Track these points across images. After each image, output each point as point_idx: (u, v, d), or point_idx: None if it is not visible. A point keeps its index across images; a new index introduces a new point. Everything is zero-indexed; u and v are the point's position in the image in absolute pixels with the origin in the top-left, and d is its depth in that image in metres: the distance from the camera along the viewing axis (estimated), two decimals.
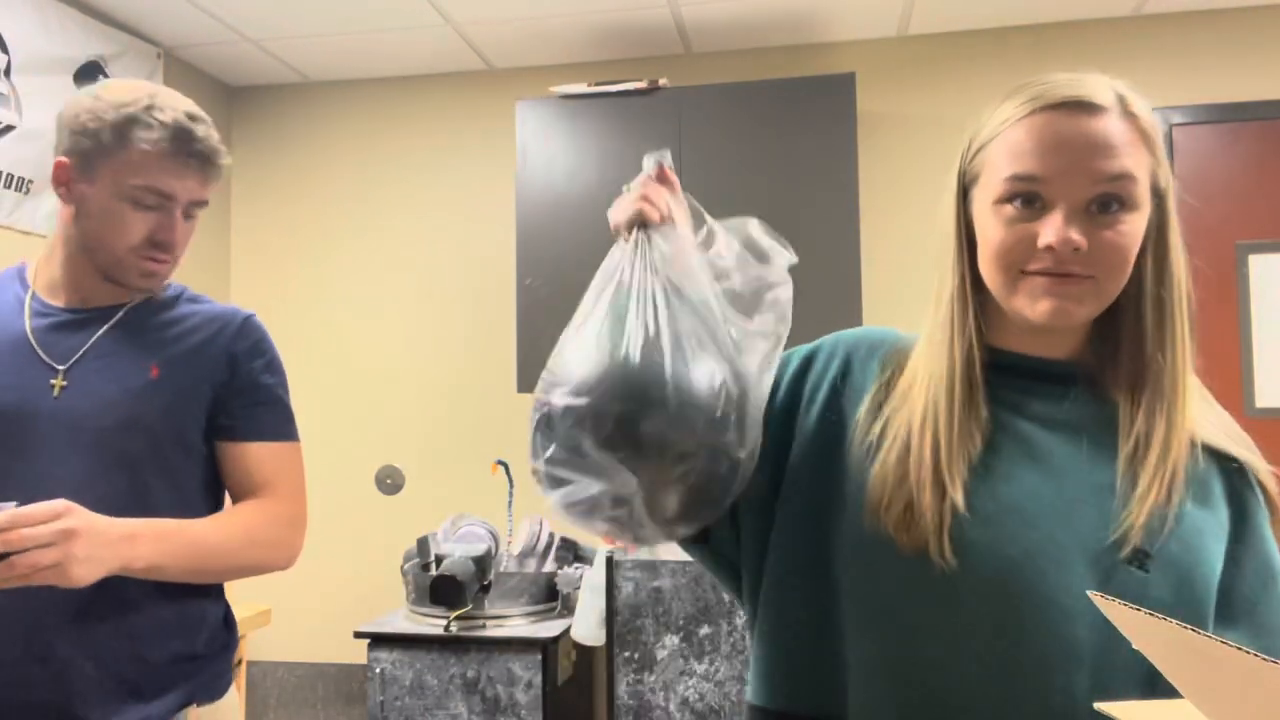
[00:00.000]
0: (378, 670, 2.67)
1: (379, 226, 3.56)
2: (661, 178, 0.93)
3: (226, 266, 3.63)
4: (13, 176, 2.70)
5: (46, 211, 2.79)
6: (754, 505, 0.95)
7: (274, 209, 3.63)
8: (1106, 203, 0.84)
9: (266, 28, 3.16)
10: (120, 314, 1.35)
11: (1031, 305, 0.86)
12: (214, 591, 1.39)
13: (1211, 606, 0.84)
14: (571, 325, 0.87)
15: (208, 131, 1.31)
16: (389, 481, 3.47)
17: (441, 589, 2.57)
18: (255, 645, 3.47)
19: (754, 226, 0.94)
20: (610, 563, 2.62)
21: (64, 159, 1.29)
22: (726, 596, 2.54)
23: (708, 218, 0.93)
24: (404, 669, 2.66)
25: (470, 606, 2.63)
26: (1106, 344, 0.92)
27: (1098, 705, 0.71)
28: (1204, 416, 0.91)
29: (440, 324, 3.50)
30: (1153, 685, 0.77)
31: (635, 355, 0.81)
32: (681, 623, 2.59)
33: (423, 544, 2.75)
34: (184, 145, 1.28)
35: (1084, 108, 0.85)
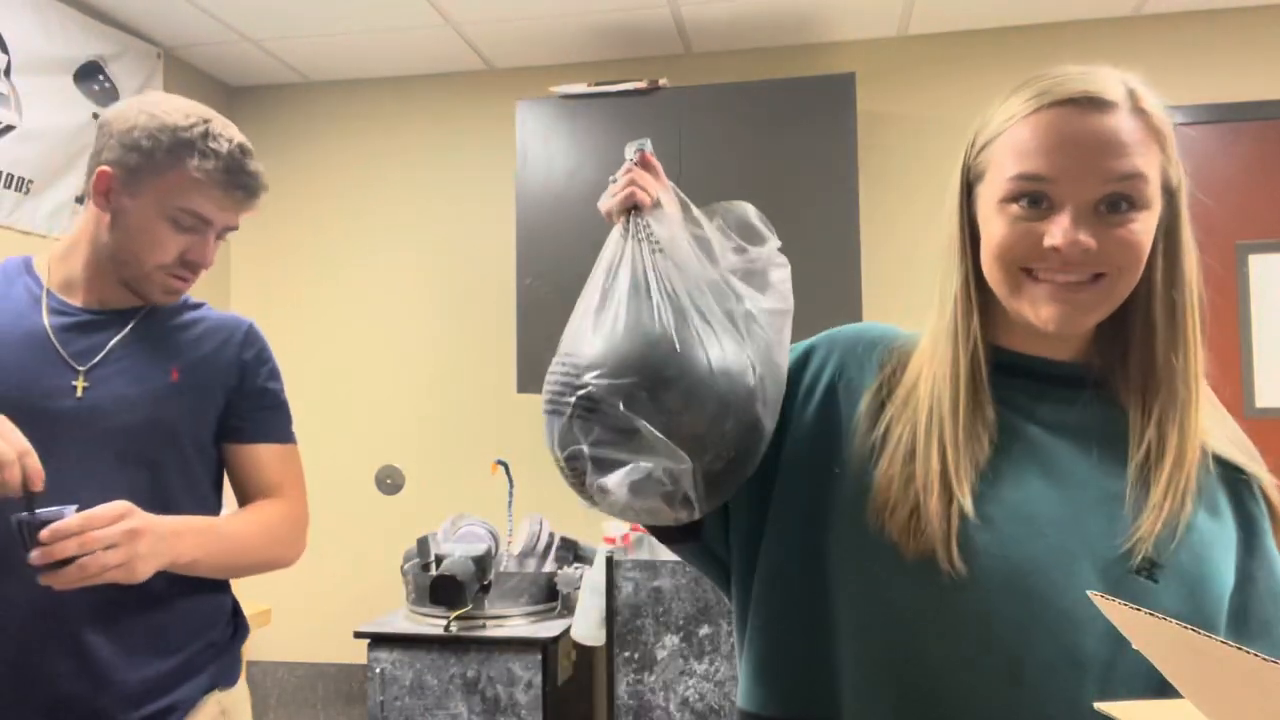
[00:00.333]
0: (378, 670, 2.67)
1: (379, 226, 3.56)
2: (645, 164, 0.91)
3: (226, 266, 3.63)
4: (13, 176, 2.70)
5: (47, 211, 2.79)
6: (745, 501, 0.93)
7: (274, 208, 3.63)
8: (1116, 203, 0.82)
9: (266, 28, 3.16)
10: (136, 319, 1.38)
11: (1036, 311, 0.84)
12: (225, 583, 1.44)
13: (1221, 617, 0.83)
14: (583, 312, 0.86)
15: (256, 166, 1.36)
16: (389, 481, 3.47)
17: (441, 589, 2.57)
18: (255, 645, 3.46)
19: (746, 210, 0.93)
20: (610, 563, 2.62)
21: (108, 169, 1.30)
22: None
23: (692, 206, 0.93)
24: (404, 669, 2.66)
25: (470, 606, 2.63)
26: (1114, 346, 0.89)
27: (1098, 705, 0.70)
28: (1212, 423, 0.88)
29: (440, 324, 3.49)
30: (1161, 698, 0.74)
31: (671, 330, 0.81)
32: (681, 623, 2.59)
33: (423, 544, 2.75)
34: (234, 177, 1.32)
35: (1093, 104, 0.82)
